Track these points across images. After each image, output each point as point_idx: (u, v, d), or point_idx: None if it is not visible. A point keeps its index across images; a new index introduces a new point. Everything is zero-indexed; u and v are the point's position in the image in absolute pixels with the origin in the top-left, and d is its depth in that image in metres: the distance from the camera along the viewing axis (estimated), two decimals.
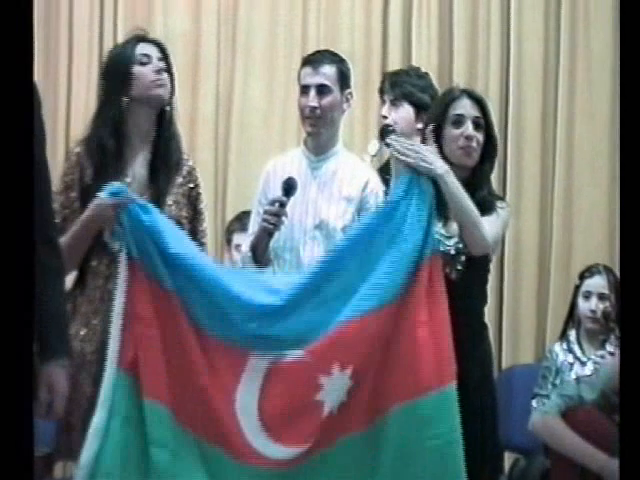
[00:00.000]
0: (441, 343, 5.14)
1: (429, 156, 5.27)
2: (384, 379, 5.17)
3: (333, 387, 5.14)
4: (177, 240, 5.27)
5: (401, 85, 6.79)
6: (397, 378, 5.14)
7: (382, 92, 6.97)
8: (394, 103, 6.64)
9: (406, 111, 6.50)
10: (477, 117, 5.59)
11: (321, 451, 5.18)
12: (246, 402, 5.20)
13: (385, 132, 5.90)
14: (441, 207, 5.38)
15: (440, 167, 5.26)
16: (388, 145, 5.65)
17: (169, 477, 5.17)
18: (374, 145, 6.56)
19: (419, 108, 6.44)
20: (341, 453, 5.20)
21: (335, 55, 6.56)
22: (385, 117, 6.69)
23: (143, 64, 5.62)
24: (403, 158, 5.38)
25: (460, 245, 5.46)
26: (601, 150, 8.79)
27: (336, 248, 5.48)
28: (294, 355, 5.17)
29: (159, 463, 5.15)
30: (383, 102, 6.84)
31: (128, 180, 5.58)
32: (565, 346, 7.23)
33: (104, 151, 5.61)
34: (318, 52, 6.70)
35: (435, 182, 5.31)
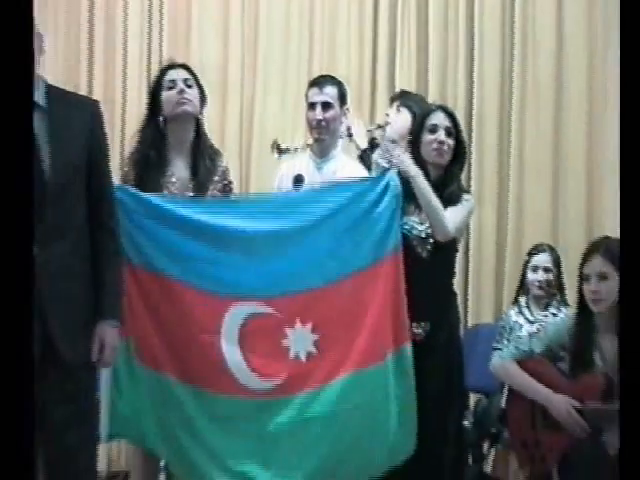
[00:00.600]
0: (398, 312, 5.40)
1: (406, 161, 5.54)
2: (350, 341, 5.34)
3: (296, 337, 5.37)
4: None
5: (407, 98, 6.89)
6: (361, 341, 5.34)
7: (392, 100, 7.09)
8: (398, 108, 6.68)
9: (405, 116, 6.50)
10: (448, 127, 5.68)
11: (300, 393, 5.33)
12: (229, 346, 5.34)
13: (372, 144, 6.59)
14: (415, 200, 5.58)
15: (413, 170, 5.52)
16: (372, 151, 6.45)
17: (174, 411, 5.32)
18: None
19: (414, 117, 6.38)
20: (321, 397, 5.33)
21: (335, 78, 6.63)
22: (387, 115, 6.85)
23: (170, 89, 5.76)
24: (385, 162, 5.75)
25: (429, 231, 5.56)
26: (545, 153, 8.83)
27: (318, 214, 5.53)
28: (266, 310, 5.37)
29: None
30: (391, 106, 6.92)
31: (173, 180, 5.75)
32: (517, 309, 7.31)
33: (147, 160, 5.75)
34: (322, 76, 6.73)
35: (408, 182, 5.53)
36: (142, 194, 5.41)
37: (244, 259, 5.42)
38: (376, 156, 6.30)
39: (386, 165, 5.81)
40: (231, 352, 5.32)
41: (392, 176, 5.53)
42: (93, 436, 4.75)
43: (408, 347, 5.34)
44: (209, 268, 5.41)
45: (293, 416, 5.34)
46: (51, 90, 4.64)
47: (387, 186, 5.48)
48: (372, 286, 5.40)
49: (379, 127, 6.94)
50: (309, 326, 5.35)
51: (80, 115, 4.69)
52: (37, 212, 4.21)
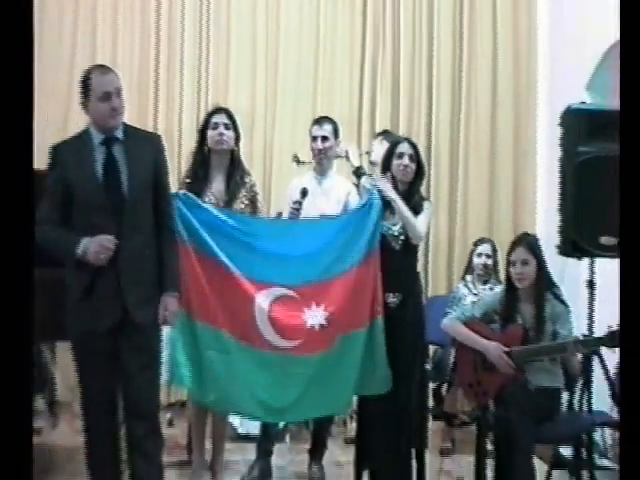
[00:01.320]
0: (376, 287, 5.52)
1: (386, 185, 5.59)
2: (351, 313, 5.50)
3: (311, 314, 5.48)
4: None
5: (387, 134, 6.96)
6: (357, 312, 5.51)
7: (377, 135, 7.21)
8: (381, 141, 6.69)
9: (384, 146, 6.18)
10: (411, 154, 5.71)
11: (315, 353, 5.49)
12: (260, 311, 5.44)
13: (358, 172, 6.48)
14: (391, 210, 5.64)
15: (393, 195, 5.56)
16: (359, 177, 6.39)
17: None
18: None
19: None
20: (326, 358, 5.48)
21: (331, 118, 6.67)
22: (373, 145, 7.00)
23: (214, 129, 5.81)
24: (371, 187, 5.76)
25: (401, 230, 5.62)
26: (484, 172, 8.89)
27: (331, 227, 5.72)
28: (290, 293, 5.51)
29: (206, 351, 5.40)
30: (375, 139, 7.06)
31: (213, 191, 5.83)
32: (464, 284, 7.45)
33: (196, 177, 5.84)
34: (322, 117, 6.77)
35: (386, 200, 5.61)
36: (202, 203, 5.53)
37: (274, 260, 5.56)
38: (364, 181, 6.31)
39: (372, 189, 5.77)
40: (261, 319, 5.44)
41: (375, 199, 5.62)
42: (157, 375, 4.81)
43: (380, 319, 5.50)
44: (248, 261, 5.52)
45: (307, 368, 5.51)
46: (127, 128, 4.73)
47: (372, 205, 5.59)
48: (364, 276, 5.54)
49: (367, 153, 7.12)
50: (322, 306, 5.49)
51: (148, 147, 4.78)
52: (118, 216, 4.51)
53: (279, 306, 5.53)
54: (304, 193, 6.14)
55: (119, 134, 4.65)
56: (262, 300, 5.50)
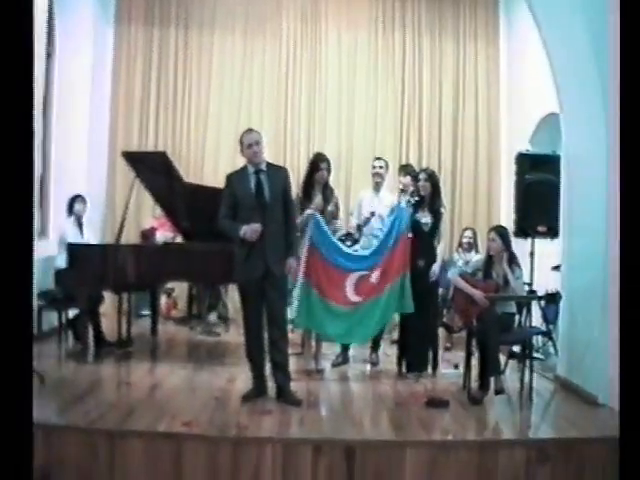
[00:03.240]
0: (405, 257, 5.50)
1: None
2: (393, 271, 5.48)
3: (374, 276, 5.47)
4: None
5: (406, 168, 6.57)
6: (395, 270, 5.48)
7: (400, 169, 6.66)
8: (405, 175, 6.29)
9: (408, 179, 6.14)
10: (426, 178, 5.67)
11: (371, 299, 5.50)
12: (349, 285, 5.47)
13: (404, 193, 6.06)
14: (423, 207, 5.64)
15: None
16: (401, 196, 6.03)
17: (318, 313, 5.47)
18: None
19: (412, 177, 6.12)
20: (380, 299, 5.48)
21: (384, 159, 6.47)
22: (400, 178, 6.41)
23: (319, 170, 5.73)
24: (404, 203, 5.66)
25: (428, 221, 5.61)
26: (470, 191, 8.80)
27: (385, 230, 5.64)
28: (364, 272, 5.52)
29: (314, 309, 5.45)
30: (401, 175, 6.42)
31: (315, 202, 5.67)
32: (457, 254, 7.40)
33: (306, 193, 5.68)
34: (377, 157, 6.54)
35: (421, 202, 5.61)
36: (323, 225, 5.51)
37: (358, 259, 5.58)
38: (402, 199, 5.92)
39: (404, 204, 5.65)
40: (349, 288, 5.46)
41: (404, 209, 5.55)
42: (286, 303, 4.86)
43: (407, 274, 5.45)
44: (342, 259, 5.52)
45: (370, 309, 5.49)
46: (269, 164, 4.73)
47: (402, 213, 5.52)
48: (399, 249, 5.47)
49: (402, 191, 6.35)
50: (379, 271, 5.47)
51: (280, 174, 4.76)
52: (262, 213, 4.56)
53: (359, 281, 5.49)
54: (372, 214, 6.04)
55: (263, 167, 4.68)
56: (350, 279, 5.49)
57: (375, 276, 5.50)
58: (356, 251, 5.79)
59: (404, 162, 8.25)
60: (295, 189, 5.28)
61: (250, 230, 4.56)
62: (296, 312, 5.40)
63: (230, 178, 4.78)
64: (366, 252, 5.70)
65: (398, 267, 5.51)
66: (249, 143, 4.68)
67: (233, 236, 4.67)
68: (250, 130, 4.82)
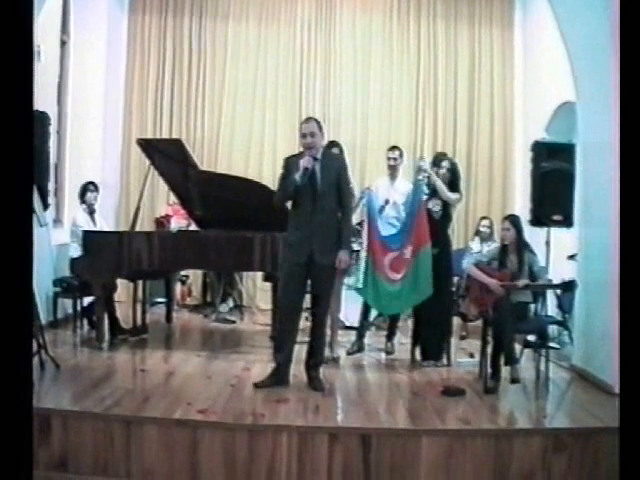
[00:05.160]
0: (425, 229, 5.45)
1: (432, 175, 5.59)
2: (417, 242, 5.44)
3: (406, 252, 5.46)
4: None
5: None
6: (419, 241, 5.44)
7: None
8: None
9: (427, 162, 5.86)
10: (447, 163, 5.70)
11: (409, 270, 5.48)
12: (387, 261, 5.51)
13: (419, 170, 5.75)
14: (435, 195, 5.60)
15: (434, 176, 5.58)
16: (418, 171, 5.74)
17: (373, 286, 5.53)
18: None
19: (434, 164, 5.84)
20: (411, 269, 5.46)
21: (399, 147, 6.37)
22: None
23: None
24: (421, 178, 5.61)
25: (439, 208, 5.60)
26: (486, 180, 8.77)
27: (407, 210, 5.67)
28: (397, 252, 5.55)
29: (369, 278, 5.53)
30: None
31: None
32: (472, 242, 7.41)
33: None
34: (393, 146, 6.43)
35: (433, 188, 5.59)
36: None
37: (390, 238, 5.65)
38: (419, 177, 5.66)
39: (421, 181, 5.60)
40: (387, 264, 5.52)
41: (421, 187, 5.56)
42: (330, 291, 4.85)
43: (429, 246, 5.43)
44: (382, 237, 5.63)
45: (406, 279, 5.48)
46: (325, 152, 4.78)
47: (419, 189, 5.54)
48: (418, 221, 5.47)
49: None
50: (411, 247, 5.48)
51: (335, 163, 4.77)
52: (312, 201, 4.60)
53: (394, 258, 5.55)
54: (387, 202, 6.06)
55: (318, 155, 4.67)
56: (388, 258, 5.56)
57: (408, 252, 5.52)
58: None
59: (419, 150, 8.34)
60: None
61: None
62: (362, 284, 5.54)
63: (288, 161, 4.80)
64: (394, 230, 5.80)
65: (420, 235, 5.53)
66: (303, 133, 4.70)
67: (289, 191, 4.67)
68: (308, 120, 4.83)
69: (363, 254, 5.56)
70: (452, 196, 5.65)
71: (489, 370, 4.96)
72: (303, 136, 4.70)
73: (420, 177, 5.65)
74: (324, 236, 4.64)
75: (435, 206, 5.67)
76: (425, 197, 5.61)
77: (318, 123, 4.75)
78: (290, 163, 4.76)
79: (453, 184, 5.71)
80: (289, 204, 4.86)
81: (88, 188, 6.59)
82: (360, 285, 5.55)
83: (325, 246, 4.65)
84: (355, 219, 5.45)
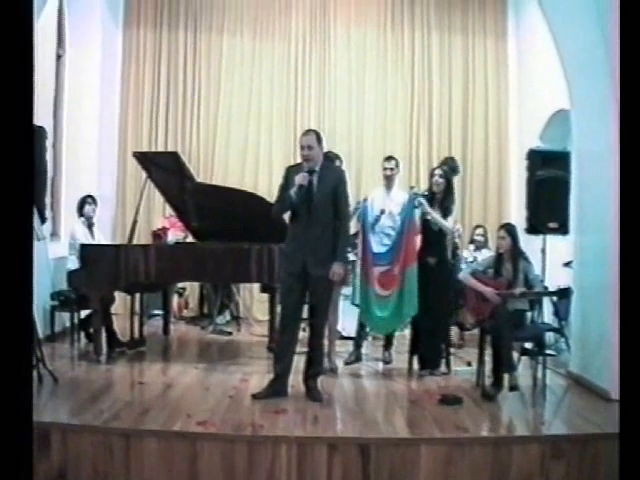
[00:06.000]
0: (413, 248, 5.51)
1: (426, 207, 5.55)
2: (404, 261, 5.48)
3: (396, 270, 5.48)
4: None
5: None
6: (407, 260, 5.48)
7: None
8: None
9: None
10: (441, 174, 5.64)
11: (396, 288, 5.52)
12: (377, 273, 5.55)
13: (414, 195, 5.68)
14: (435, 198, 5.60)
15: (429, 210, 5.54)
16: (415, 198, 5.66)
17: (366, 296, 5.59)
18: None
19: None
20: (397, 288, 5.49)
21: (395, 157, 6.19)
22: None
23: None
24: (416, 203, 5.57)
25: (437, 224, 5.56)
26: (481, 189, 8.76)
27: (397, 227, 5.66)
28: (386, 267, 5.58)
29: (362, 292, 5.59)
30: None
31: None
32: (468, 251, 7.35)
33: None
34: (389, 156, 6.26)
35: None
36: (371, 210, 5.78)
37: (382, 255, 5.64)
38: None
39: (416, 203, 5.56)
40: (376, 277, 5.55)
41: (413, 201, 5.56)
42: (328, 302, 4.81)
43: (415, 265, 5.45)
44: (372, 251, 5.63)
45: (393, 298, 5.53)
46: (324, 165, 4.73)
47: (412, 208, 5.55)
48: (407, 240, 5.50)
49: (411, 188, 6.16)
50: (399, 265, 5.50)
51: (333, 176, 4.74)
52: (307, 213, 4.59)
53: (382, 273, 5.59)
54: (382, 212, 5.93)
55: (317, 168, 4.68)
56: (375, 270, 5.60)
57: (396, 269, 5.53)
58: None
59: (414, 159, 8.38)
60: None
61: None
62: (359, 300, 5.63)
63: (289, 170, 4.83)
64: (384, 249, 5.74)
65: (407, 255, 5.54)
66: (301, 145, 4.72)
67: (285, 205, 4.70)
68: (307, 132, 4.83)
69: (358, 270, 5.61)
70: (447, 224, 5.65)
71: (490, 378, 4.98)
72: (301, 148, 4.71)
73: (415, 202, 5.64)
74: (318, 247, 4.63)
75: (433, 224, 5.68)
76: (419, 213, 5.65)
77: (317, 135, 4.75)
78: (291, 172, 4.78)
79: (447, 192, 5.72)
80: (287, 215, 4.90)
81: (86, 201, 6.61)
82: (357, 301, 5.65)
83: (318, 257, 4.64)
84: (351, 230, 5.39)
